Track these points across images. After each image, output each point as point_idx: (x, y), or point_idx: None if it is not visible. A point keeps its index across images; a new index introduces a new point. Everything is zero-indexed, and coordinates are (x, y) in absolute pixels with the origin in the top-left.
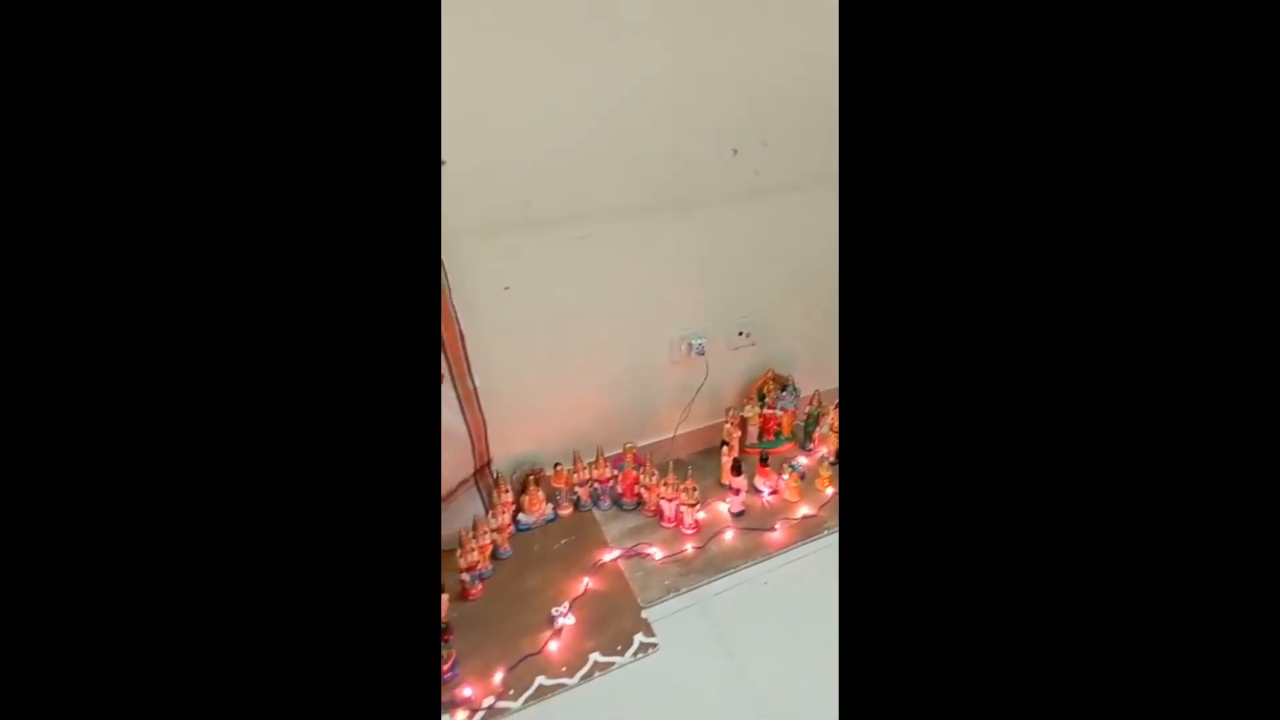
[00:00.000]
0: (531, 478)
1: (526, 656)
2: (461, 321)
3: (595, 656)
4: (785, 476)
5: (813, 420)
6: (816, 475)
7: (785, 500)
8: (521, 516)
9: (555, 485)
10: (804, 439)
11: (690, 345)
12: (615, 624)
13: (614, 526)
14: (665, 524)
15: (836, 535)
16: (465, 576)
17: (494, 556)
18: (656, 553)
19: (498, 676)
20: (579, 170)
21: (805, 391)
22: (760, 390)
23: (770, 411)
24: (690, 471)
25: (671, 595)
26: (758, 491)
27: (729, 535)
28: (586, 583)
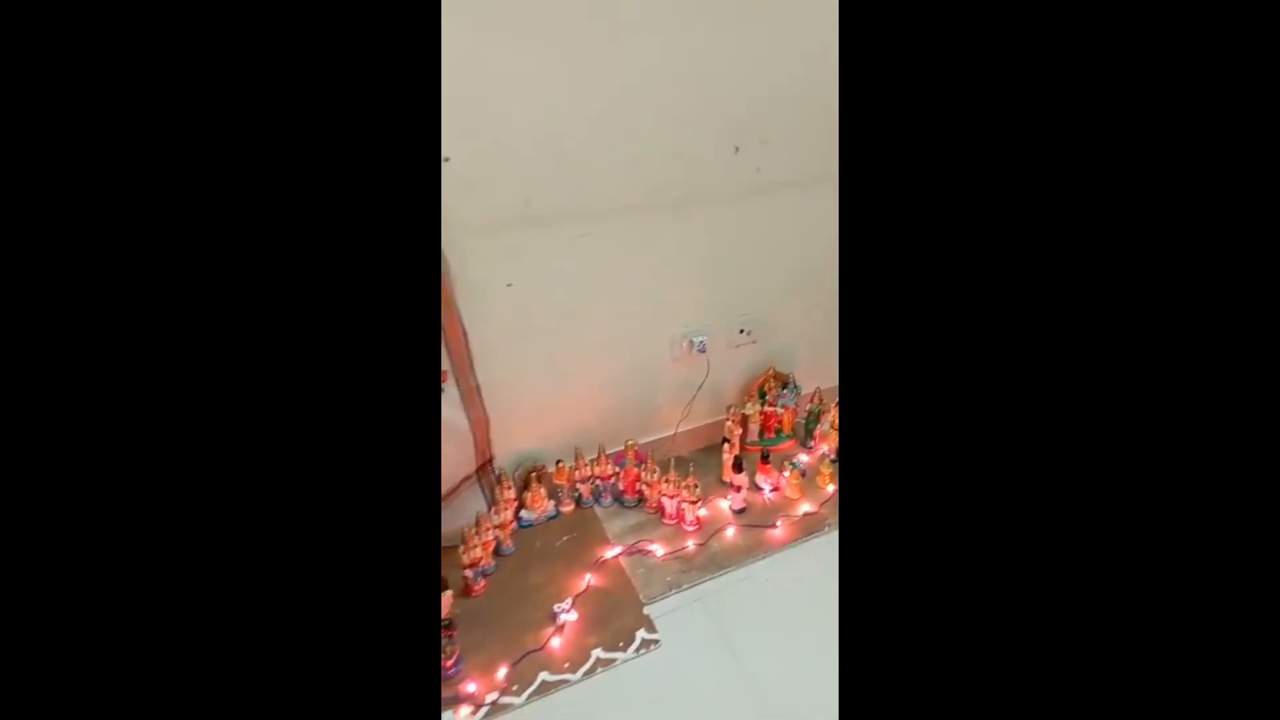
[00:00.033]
0: (534, 474)
1: (529, 652)
2: (464, 318)
3: (598, 653)
4: (786, 474)
5: (814, 418)
6: (818, 473)
7: (786, 497)
8: (524, 513)
9: (557, 482)
10: (805, 436)
11: (692, 343)
12: (617, 620)
13: (615, 523)
14: (666, 521)
15: (837, 532)
16: (468, 573)
17: (496, 553)
18: (658, 549)
19: (501, 672)
20: (581, 168)
21: (806, 389)
22: (761, 388)
23: (771, 409)
24: (692, 469)
25: (673, 592)
26: (759, 489)
27: (730, 532)
28: (588, 579)
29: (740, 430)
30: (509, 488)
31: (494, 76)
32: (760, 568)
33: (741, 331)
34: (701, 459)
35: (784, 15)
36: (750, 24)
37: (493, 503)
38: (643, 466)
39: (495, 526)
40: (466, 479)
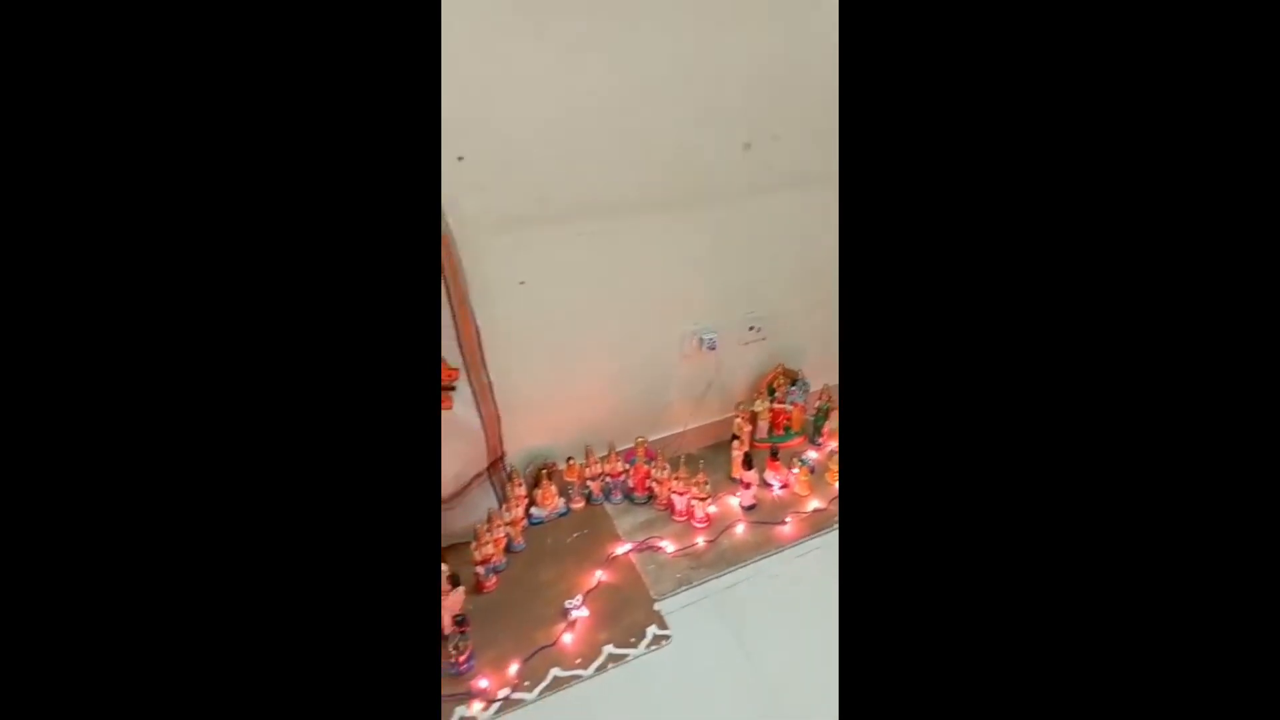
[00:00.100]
0: (544, 471)
1: (541, 648)
2: (476, 316)
3: (609, 648)
4: (795, 471)
5: (822, 415)
6: (826, 469)
7: (795, 494)
8: (534, 510)
9: (568, 479)
10: (813, 433)
11: (701, 340)
12: (628, 616)
13: (625, 520)
14: (676, 518)
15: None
16: (480, 569)
17: (508, 550)
18: (668, 546)
19: (513, 668)
20: (593, 166)
21: (815, 386)
22: (770, 385)
23: (780, 406)
24: (701, 465)
25: (683, 588)
26: (768, 485)
27: (740, 529)
28: (599, 575)
29: (749, 427)
30: (520, 485)
31: (507, 75)
32: (770, 564)
33: (751, 328)
34: (711, 456)
35: (795, 10)
36: (761, 19)
37: (504, 500)
38: (653, 463)
39: (506, 523)
40: (478, 476)
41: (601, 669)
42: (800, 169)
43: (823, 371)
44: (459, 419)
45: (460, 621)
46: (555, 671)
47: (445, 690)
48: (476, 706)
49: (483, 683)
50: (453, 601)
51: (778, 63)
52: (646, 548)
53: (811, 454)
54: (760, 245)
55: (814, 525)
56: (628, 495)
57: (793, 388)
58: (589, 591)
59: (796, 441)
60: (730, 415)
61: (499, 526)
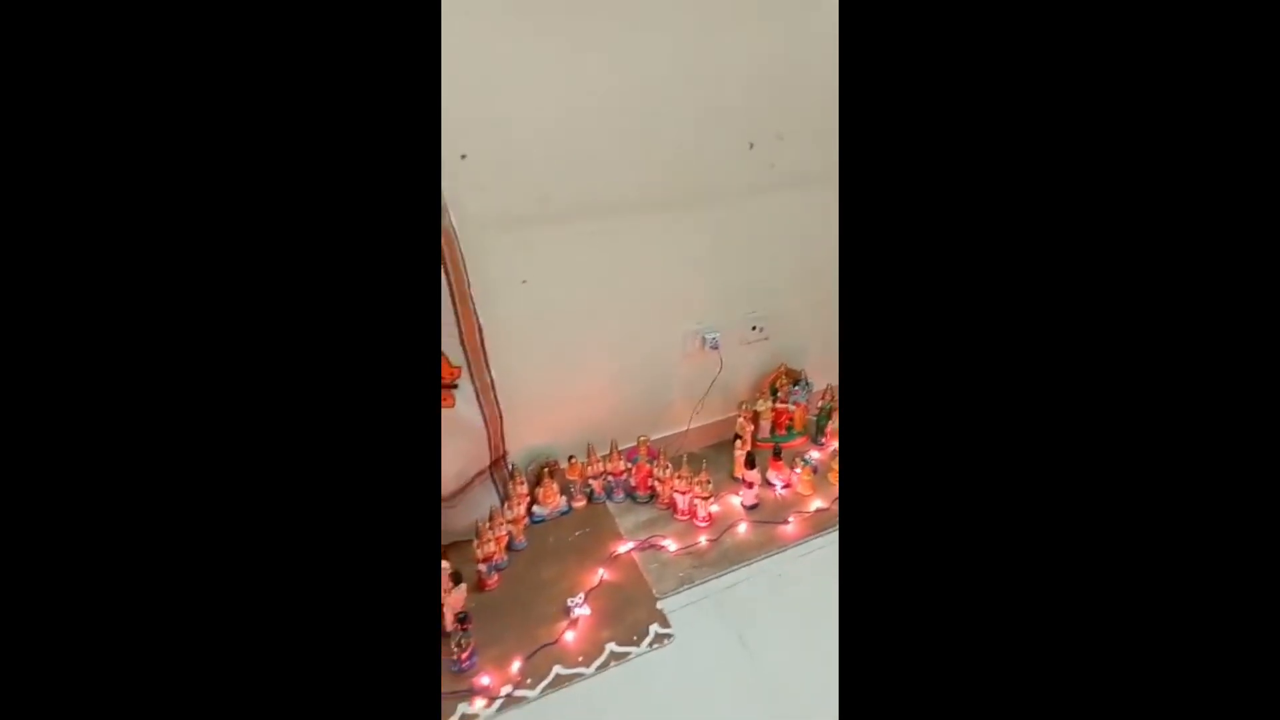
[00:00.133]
0: (546, 470)
1: (544, 646)
2: (479, 315)
3: (611, 646)
4: (798, 470)
5: (825, 414)
6: (829, 469)
7: (798, 494)
8: (536, 508)
9: (569, 478)
10: (816, 433)
11: (704, 339)
12: (630, 615)
13: (628, 519)
14: (678, 517)
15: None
16: (482, 567)
17: (510, 548)
18: (670, 545)
19: (515, 665)
20: (595, 164)
21: (817, 386)
22: (773, 384)
23: (783, 405)
24: (704, 464)
25: (686, 587)
26: (770, 485)
27: (742, 528)
28: (601, 574)
29: (752, 426)
30: (522, 483)
31: (510, 74)
32: (772, 563)
33: (753, 328)
34: (713, 455)
35: (797, 9)
36: (763, 19)
37: (506, 498)
38: (655, 462)
39: (508, 521)
40: (480, 474)
41: (603, 667)
42: (803, 168)
43: (825, 371)
44: (461, 417)
45: (462, 619)
46: (557, 669)
47: (448, 687)
48: (479, 703)
49: (485, 680)
50: (455, 599)
51: (780, 62)
52: (649, 546)
53: (814, 454)
54: (763, 245)
55: (816, 525)
56: (630, 494)
57: (795, 387)
58: (591, 590)
59: (799, 441)
60: (733, 414)
61: (501, 524)
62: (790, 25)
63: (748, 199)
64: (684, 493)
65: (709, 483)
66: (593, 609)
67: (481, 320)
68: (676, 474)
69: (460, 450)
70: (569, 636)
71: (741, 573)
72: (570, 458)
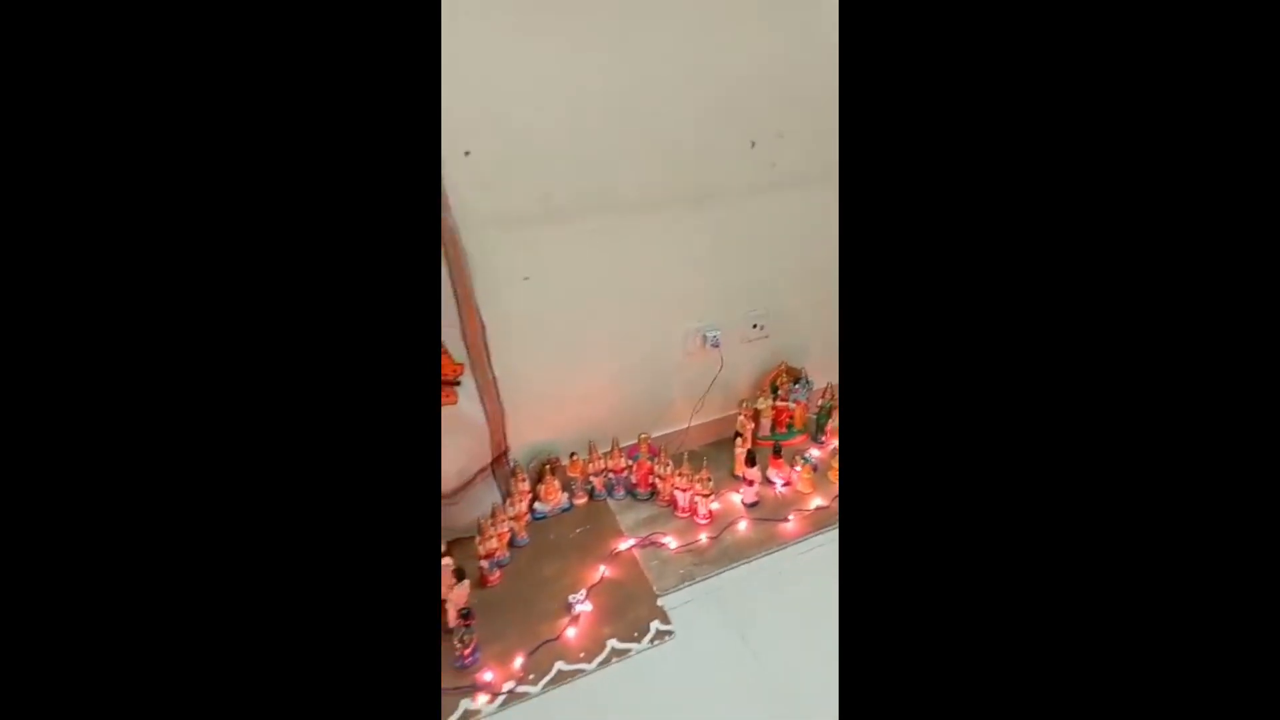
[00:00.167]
0: (547, 467)
1: (545, 642)
2: (482, 312)
3: (613, 643)
4: (798, 468)
5: (825, 413)
6: (829, 467)
7: (798, 492)
8: (537, 505)
9: (571, 475)
10: (816, 431)
11: (705, 337)
12: (632, 611)
13: (628, 516)
14: (679, 514)
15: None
16: (484, 564)
17: (511, 544)
18: (671, 542)
19: (517, 661)
20: (597, 162)
21: (818, 384)
22: (773, 382)
23: (783, 403)
24: (704, 462)
25: (686, 584)
26: (771, 483)
27: (742, 526)
28: (602, 571)
29: (752, 425)
30: (523, 480)
31: (513, 72)
32: (773, 561)
33: (754, 326)
34: (713, 453)
35: (800, 8)
36: (766, 18)
37: (508, 494)
38: (656, 460)
39: (510, 518)
40: (482, 471)
41: (605, 663)
42: (805, 167)
43: (825, 369)
44: (464, 414)
45: (465, 615)
46: (559, 665)
47: (451, 683)
48: (481, 699)
49: (487, 676)
50: (458, 595)
51: (782, 61)
52: (649, 544)
53: (814, 452)
54: (764, 243)
55: (816, 523)
56: (630, 491)
57: (795, 385)
58: (592, 586)
59: (799, 439)
60: (733, 412)
61: (503, 521)
62: (792, 24)
63: (749, 197)
64: (685, 490)
65: (709, 480)
66: (594, 605)
67: (484, 318)
68: (677, 471)
69: (463, 447)
70: (570, 633)
71: (742, 570)
72: (572, 455)
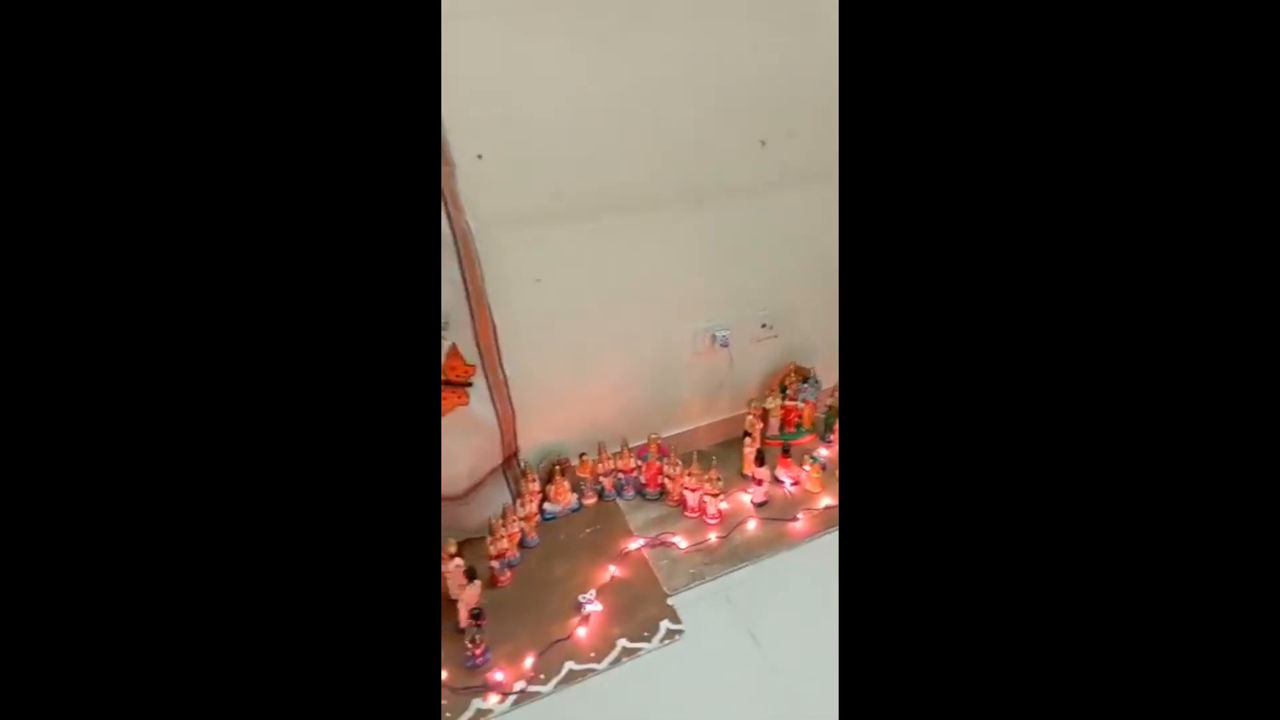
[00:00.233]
0: (557, 467)
1: (556, 642)
2: (494, 313)
3: (623, 642)
4: (807, 468)
5: (833, 412)
6: (838, 466)
7: (807, 491)
8: (547, 505)
9: (580, 475)
10: (824, 431)
11: (714, 337)
12: (642, 611)
13: (638, 516)
14: (688, 514)
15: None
16: (495, 564)
17: (522, 545)
18: (680, 542)
19: (528, 661)
20: (608, 163)
21: (826, 384)
22: (782, 382)
23: (792, 403)
24: (713, 462)
25: (696, 584)
26: (779, 482)
27: (752, 525)
28: (612, 571)
29: (761, 424)
30: (533, 480)
31: (524, 74)
32: (782, 560)
33: (763, 326)
34: (722, 453)
35: (810, 7)
36: (776, 16)
37: (518, 495)
38: (665, 460)
39: (520, 519)
40: (493, 471)
41: (615, 663)
42: (814, 166)
43: (834, 369)
44: (475, 414)
45: (476, 615)
46: (570, 665)
47: (462, 683)
48: (493, 699)
49: (499, 675)
50: (470, 595)
51: (793, 60)
52: (659, 543)
53: (823, 451)
54: (773, 243)
55: (825, 522)
56: (640, 491)
57: (804, 385)
58: (602, 586)
59: (808, 439)
60: (742, 412)
61: (513, 522)
62: (803, 22)
63: (759, 196)
64: (694, 490)
65: (719, 480)
66: (604, 605)
67: (496, 319)
68: (686, 471)
69: (474, 447)
70: (581, 633)
71: (751, 569)
72: (581, 455)
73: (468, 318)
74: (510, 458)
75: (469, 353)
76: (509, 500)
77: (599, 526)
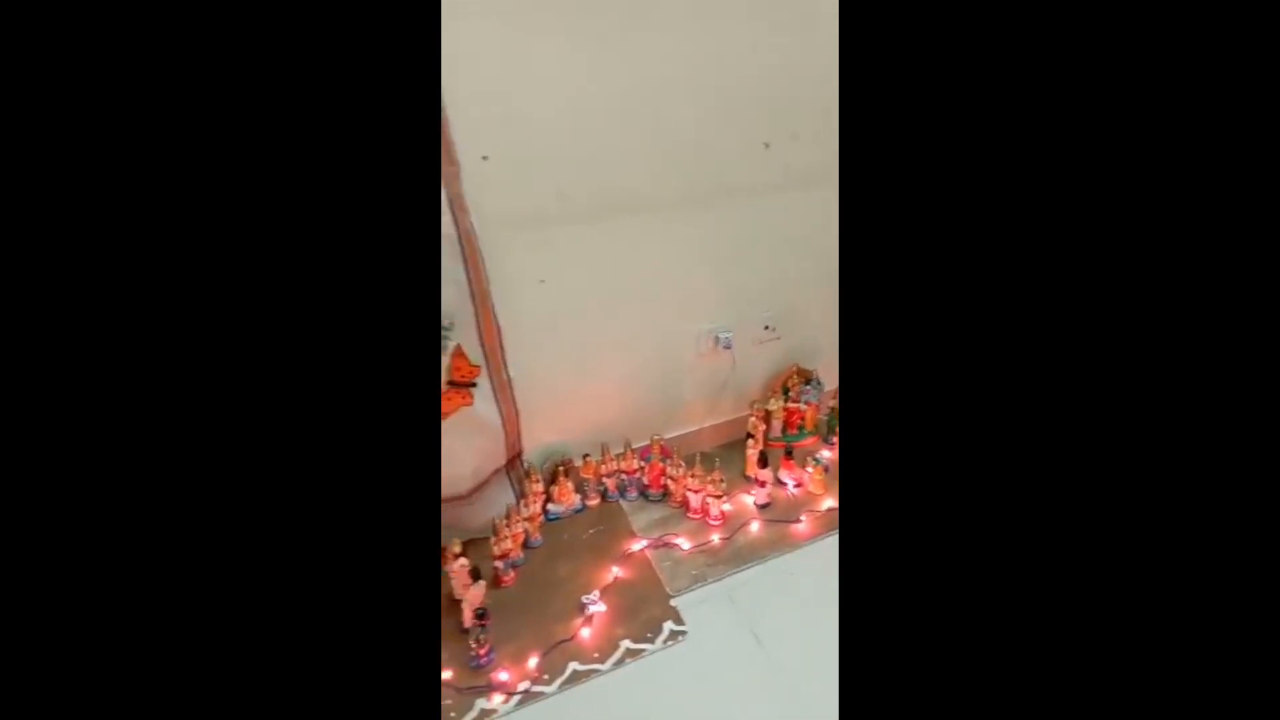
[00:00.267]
0: (561, 468)
1: (560, 642)
2: (498, 314)
3: (626, 643)
4: (809, 469)
5: (836, 415)
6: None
7: (809, 493)
8: (551, 506)
9: (584, 476)
10: (827, 433)
11: (717, 339)
12: (645, 612)
13: (641, 517)
14: (691, 515)
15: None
16: (498, 564)
17: (525, 545)
18: (683, 543)
19: (532, 661)
20: (612, 164)
21: (829, 386)
22: (785, 384)
23: (794, 405)
24: (716, 463)
25: (699, 585)
26: (782, 484)
27: (754, 527)
28: (615, 571)
29: (764, 426)
30: (537, 481)
31: (528, 75)
32: (785, 562)
33: (766, 328)
34: (725, 454)
35: (814, 9)
36: (780, 18)
37: (522, 495)
38: (668, 461)
39: (524, 519)
40: (497, 472)
41: (619, 664)
42: (817, 169)
43: (837, 371)
44: (479, 415)
45: (481, 615)
46: (574, 665)
47: (467, 683)
48: (497, 699)
49: (503, 675)
50: (474, 595)
51: (796, 62)
52: (662, 544)
53: (825, 453)
54: (776, 244)
55: (828, 524)
56: (643, 492)
57: (807, 387)
58: (605, 587)
59: (810, 441)
60: (745, 414)
61: (517, 522)
62: (806, 24)
63: (762, 199)
64: (696, 491)
65: (721, 481)
66: (608, 606)
67: (500, 320)
68: (689, 473)
69: (478, 448)
70: (585, 633)
71: (754, 571)
72: (585, 456)
73: (472, 319)
74: (514, 458)
75: (473, 353)
76: (513, 501)
77: (602, 527)
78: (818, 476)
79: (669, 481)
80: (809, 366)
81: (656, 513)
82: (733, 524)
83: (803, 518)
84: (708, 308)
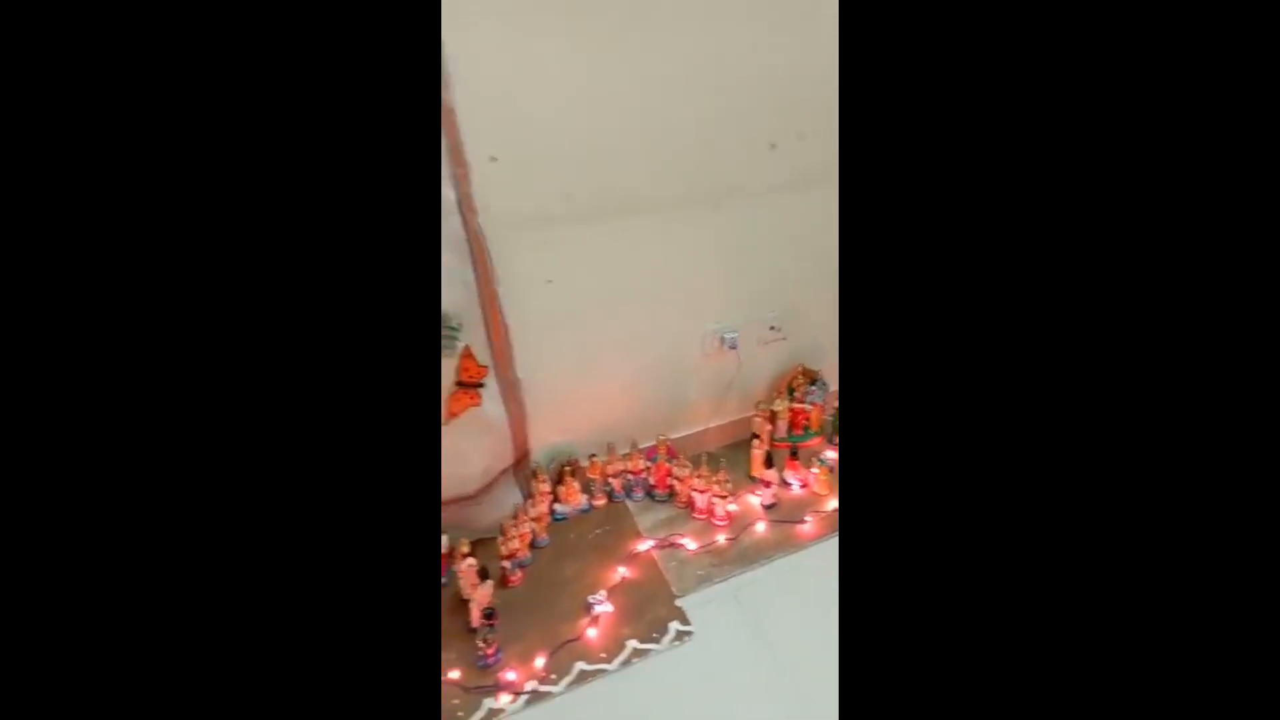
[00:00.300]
0: (567, 468)
1: (567, 642)
2: (506, 314)
3: (633, 643)
4: (815, 470)
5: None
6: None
7: (815, 493)
8: (557, 506)
9: (590, 476)
10: (832, 433)
11: (723, 339)
12: (651, 612)
13: (647, 517)
14: (697, 515)
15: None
16: (506, 564)
17: (532, 545)
18: (689, 543)
19: (539, 661)
20: (618, 165)
21: (834, 386)
22: (790, 384)
23: (800, 405)
24: (722, 464)
25: (705, 585)
26: (788, 485)
27: (760, 527)
28: (622, 572)
29: (769, 426)
30: (544, 481)
31: (535, 75)
32: (791, 562)
33: (771, 328)
34: (731, 455)
35: (819, 9)
36: (786, 19)
37: (528, 495)
38: (674, 461)
39: (531, 519)
40: (504, 472)
41: (626, 663)
42: (822, 169)
43: None
44: (487, 415)
45: (489, 615)
46: (580, 665)
47: (474, 682)
48: (504, 698)
49: (510, 675)
50: (482, 595)
51: (798, 60)
52: (668, 545)
53: (830, 453)
54: (782, 245)
55: (834, 524)
56: (649, 493)
57: (812, 387)
58: (612, 587)
59: (815, 441)
60: (750, 414)
61: (524, 522)
62: (811, 24)
63: (768, 199)
64: (702, 491)
65: (727, 482)
66: (614, 606)
67: (508, 320)
68: (695, 473)
69: (486, 448)
70: (591, 633)
71: (760, 571)
72: (591, 456)
73: (480, 319)
74: (521, 458)
75: (481, 354)
76: (520, 500)
77: (608, 527)
78: (823, 477)
79: (675, 482)
80: (814, 367)
81: (662, 513)
82: (738, 524)
83: (808, 518)
84: (713, 308)
